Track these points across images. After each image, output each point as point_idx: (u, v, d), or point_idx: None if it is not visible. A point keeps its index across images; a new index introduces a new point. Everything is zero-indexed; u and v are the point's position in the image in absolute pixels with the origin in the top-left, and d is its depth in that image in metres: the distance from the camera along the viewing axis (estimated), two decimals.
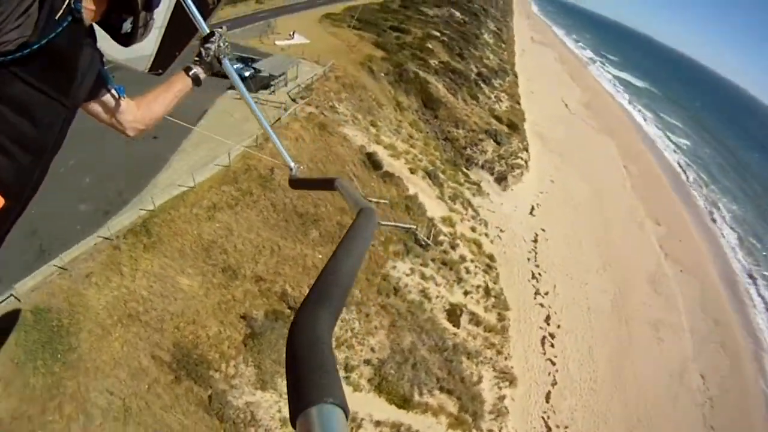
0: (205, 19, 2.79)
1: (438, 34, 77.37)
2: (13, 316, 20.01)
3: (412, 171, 38.04)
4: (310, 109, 37.31)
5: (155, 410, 19.33)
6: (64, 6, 1.34)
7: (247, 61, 45.45)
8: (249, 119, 34.75)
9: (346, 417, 0.64)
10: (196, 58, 2.65)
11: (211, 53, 2.64)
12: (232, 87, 39.18)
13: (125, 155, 28.78)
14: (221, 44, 2.69)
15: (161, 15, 3.19)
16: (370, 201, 31.16)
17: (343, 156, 34.32)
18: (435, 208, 36.16)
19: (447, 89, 59.40)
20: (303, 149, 33.03)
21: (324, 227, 29.23)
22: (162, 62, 3.88)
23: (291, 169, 3.81)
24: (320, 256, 27.60)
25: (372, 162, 35.10)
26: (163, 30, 3.46)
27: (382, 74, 54.43)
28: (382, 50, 61.32)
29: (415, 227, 32.29)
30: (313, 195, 29.71)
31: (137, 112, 2.22)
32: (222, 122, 35.13)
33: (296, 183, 3.79)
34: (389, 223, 31.25)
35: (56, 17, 1.33)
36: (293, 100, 38.24)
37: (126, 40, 1.92)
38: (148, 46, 3.67)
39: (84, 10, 1.50)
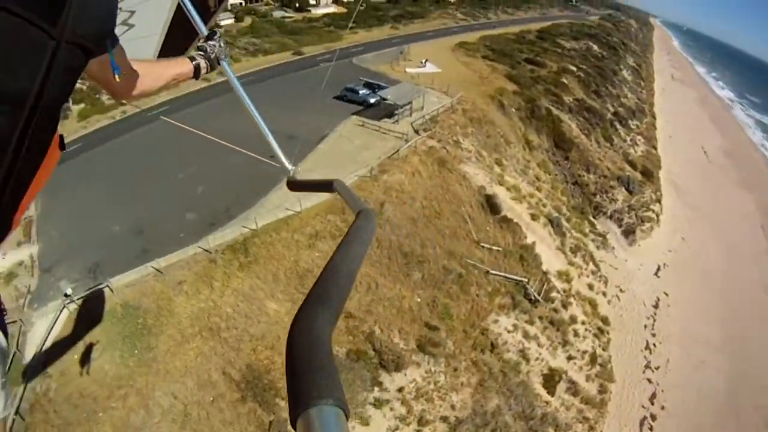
0: (205, 23, 2.79)
1: (574, 68, 73.21)
2: (105, 305, 22.48)
3: (534, 217, 34.98)
4: (432, 143, 35.43)
5: (214, 423, 19.39)
6: None
7: (374, 88, 44.50)
8: (369, 147, 33.53)
9: (347, 417, 0.64)
10: (201, 53, 2.52)
11: (216, 50, 2.57)
12: (356, 113, 38.04)
13: (242, 170, 28.91)
14: (221, 44, 2.64)
15: (162, 20, 3.22)
16: (483, 246, 28.32)
17: (460, 196, 32.10)
18: (552, 260, 32.77)
19: (580, 129, 55.59)
20: (418, 185, 31.31)
21: (428, 270, 26.99)
22: None
23: (289, 171, 3.57)
24: (418, 300, 25.72)
25: (490, 205, 32.32)
26: (164, 34, 3.49)
27: (513, 109, 51.71)
28: (515, 83, 58.57)
29: (526, 280, 29.06)
30: (422, 235, 28.12)
31: (132, 80, 1.96)
32: (340, 148, 34.51)
33: (295, 185, 3.50)
34: (499, 273, 28.41)
35: None
36: (416, 131, 36.65)
37: None
38: (150, 49, 3.69)
39: None
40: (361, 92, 43.75)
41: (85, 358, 20.40)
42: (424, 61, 57.28)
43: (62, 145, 1.28)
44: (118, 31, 1.69)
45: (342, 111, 41.12)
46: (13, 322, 23.09)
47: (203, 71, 2.56)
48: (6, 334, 1.36)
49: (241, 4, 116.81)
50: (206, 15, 3.27)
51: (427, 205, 30.15)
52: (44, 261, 27.62)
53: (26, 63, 1.02)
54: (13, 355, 19.04)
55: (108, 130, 47.21)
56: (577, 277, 33.18)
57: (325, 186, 2.72)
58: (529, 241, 31.73)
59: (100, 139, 44.75)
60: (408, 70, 54.40)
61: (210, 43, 2.64)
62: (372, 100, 41.22)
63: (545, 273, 30.67)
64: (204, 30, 2.78)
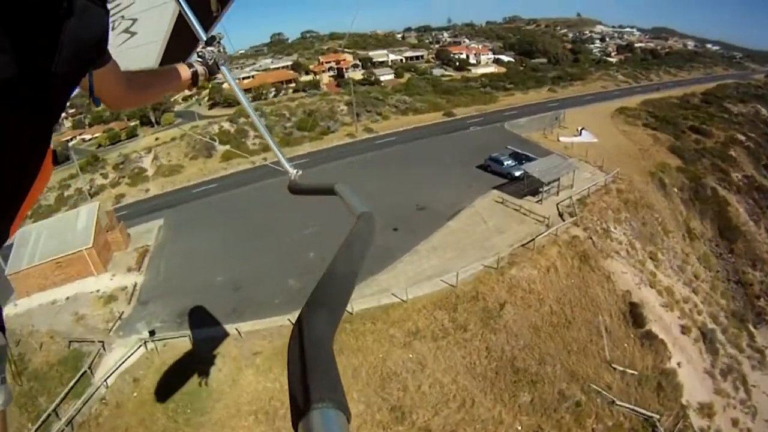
0: (207, 29, 2.75)
1: (743, 137, 64.94)
2: (179, 355, 23.06)
3: (685, 330, 29.95)
4: (577, 231, 32.07)
5: None
6: None
7: (521, 158, 41.98)
8: (503, 230, 31.40)
9: (348, 420, 0.63)
10: (199, 59, 2.52)
11: (214, 56, 2.54)
12: (498, 186, 35.34)
13: None
14: (221, 49, 2.58)
15: (164, 28, 3.21)
16: (615, 368, 24.36)
17: (599, 301, 28.13)
18: (696, 388, 26.85)
19: (749, 214, 49.13)
20: (551, 285, 27.82)
21: (540, 393, 22.75)
22: None
23: (290, 175, 3.27)
24: (519, 428, 21.54)
25: (634, 315, 27.38)
26: (166, 42, 3.48)
27: (675, 189, 46.56)
28: (678, 157, 53.25)
29: (658, 417, 23.26)
30: (542, 348, 24.51)
31: (128, 91, 1.88)
32: (470, 228, 32.61)
33: (296, 189, 3.25)
34: (626, 405, 23.35)
35: None
36: (560, 215, 33.43)
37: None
38: (151, 57, 3.69)
39: None
40: (506, 163, 41.52)
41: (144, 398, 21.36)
42: (580, 129, 53.62)
43: (55, 160, 1.26)
44: (120, 39, 1.82)
45: (483, 183, 39.13)
46: (99, 341, 25.10)
47: (201, 78, 2.50)
48: (3, 331, 1.31)
49: (401, 60, 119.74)
50: (208, 20, 3.14)
51: (556, 311, 26.54)
52: (144, 293, 29.32)
53: (20, 91, 0.97)
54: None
55: (245, 175, 50.29)
56: (721, 410, 26.80)
57: (326, 190, 2.51)
58: (673, 363, 26.34)
59: (235, 183, 47.60)
60: (562, 139, 51.07)
61: (209, 49, 2.55)
62: (517, 173, 38.48)
63: (684, 407, 24.90)
64: (203, 36, 2.66)
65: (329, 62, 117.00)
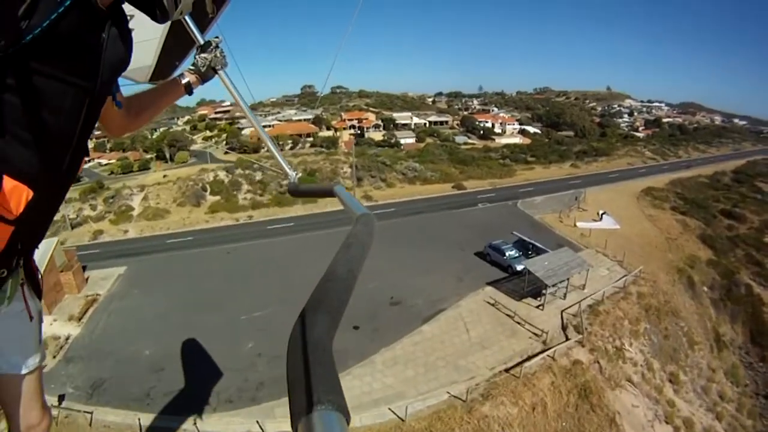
0: (203, 30, 2.64)
1: None
2: None
3: None
4: (581, 354, 25.57)
5: None
6: None
7: (527, 248, 36.30)
8: (488, 345, 25.89)
9: (347, 422, 0.62)
10: (191, 67, 2.48)
11: (207, 63, 2.46)
12: (494, 282, 30.93)
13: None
14: (217, 54, 2.49)
15: (160, 26, 3.09)
16: None
17: None
18: None
19: None
20: (534, 426, 21.14)
21: None
22: (162, 72, 3.89)
23: (290, 178, 3.22)
24: None
25: None
26: (162, 41, 3.37)
27: (705, 289, 40.41)
28: (709, 247, 47.50)
29: None
30: None
31: (127, 117, 2.08)
32: (447, 338, 26.27)
33: (296, 191, 3.19)
34: None
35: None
36: (563, 328, 27.33)
37: (160, 15, 1.72)
38: (148, 56, 3.64)
39: None
40: (507, 254, 35.29)
41: None
42: (601, 213, 47.82)
43: (86, 154, 1.59)
44: None
45: (478, 275, 33.71)
46: None
47: (195, 86, 2.46)
48: (40, 297, 1.84)
49: (425, 124, 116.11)
50: (204, 21, 2.99)
51: None
52: (73, 349, 25.77)
53: (73, 112, 1.40)
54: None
55: (223, 233, 46.32)
56: None
57: (325, 192, 2.64)
58: None
59: (210, 240, 43.40)
60: (580, 224, 45.30)
61: (202, 56, 2.45)
62: (519, 267, 32.63)
63: None
64: (200, 38, 2.52)
65: (351, 120, 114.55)
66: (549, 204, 52.14)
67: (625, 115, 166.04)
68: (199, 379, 21.45)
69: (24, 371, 1.90)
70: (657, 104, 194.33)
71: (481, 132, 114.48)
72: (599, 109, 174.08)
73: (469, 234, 41.34)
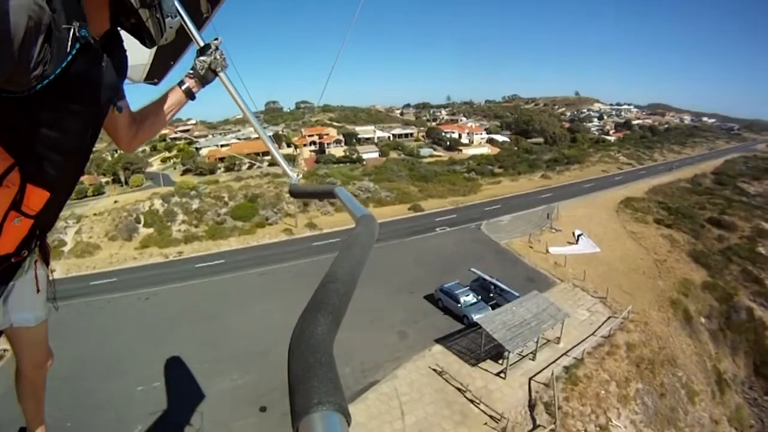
0: (199, 28, 2.63)
1: None
2: None
3: None
4: None
5: None
6: (70, 37, 1.38)
7: (488, 290, 28.06)
8: None
9: (348, 423, 0.61)
10: (191, 71, 2.45)
11: (206, 65, 2.43)
12: (444, 338, 25.28)
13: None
14: (217, 56, 2.46)
15: None
16: None
17: None
18: None
19: None
20: None
21: None
22: (157, 72, 3.87)
23: (291, 179, 3.08)
24: None
25: None
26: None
27: (702, 320, 33.20)
28: (702, 265, 40.84)
29: None
30: None
31: (134, 129, 2.20)
32: (377, 426, 19.02)
33: (297, 192, 3.02)
34: None
35: (66, 48, 1.37)
36: (530, 406, 19.33)
37: (148, 42, 1.83)
38: (143, 56, 3.62)
39: (89, 33, 1.48)
40: (462, 299, 27.28)
41: None
42: (577, 234, 40.07)
43: None
44: None
45: (426, 327, 26.41)
46: None
47: (196, 90, 2.44)
48: (48, 263, 2.34)
49: (389, 138, 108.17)
50: (199, 21, 2.87)
51: None
52: None
53: (83, 132, 1.67)
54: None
55: (149, 273, 38.88)
56: None
57: (326, 193, 2.55)
58: None
59: (132, 283, 36.23)
60: (553, 249, 37.57)
61: (202, 58, 2.43)
62: (476, 317, 24.50)
63: None
64: (200, 40, 2.53)
65: (312, 135, 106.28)
66: (517, 225, 44.21)
67: (595, 119, 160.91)
68: None
69: (33, 324, 2.37)
70: (626, 107, 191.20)
71: (448, 143, 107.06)
72: (568, 114, 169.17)
73: (421, 270, 33.27)
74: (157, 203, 50.64)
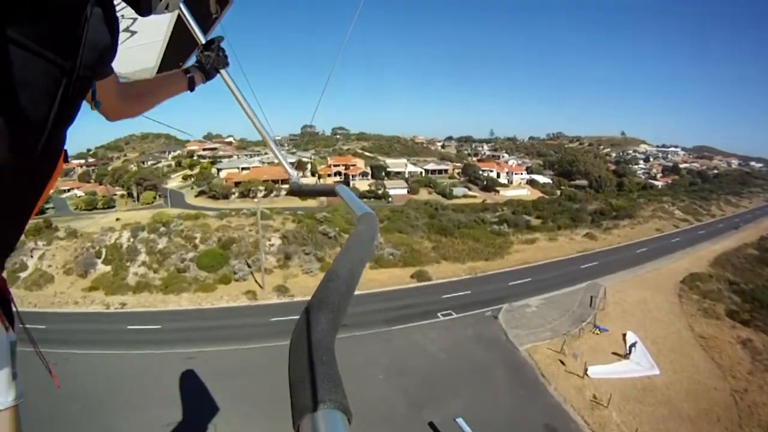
0: (207, 31, 2.54)
1: None
2: None
3: None
4: None
5: None
6: None
7: None
8: None
9: (349, 421, 0.58)
10: (196, 64, 2.23)
11: (210, 61, 2.23)
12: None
13: None
14: (219, 53, 2.27)
15: (164, 28, 2.86)
16: None
17: None
18: None
19: None
20: None
21: None
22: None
23: (292, 178, 2.94)
24: None
25: None
26: (166, 41, 3.07)
27: None
28: None
29: None
30: None
31: (123, 101, 1.73)
32: None
33: (297, 191, 2.93)
34: None
35: None
36: None
37: (143, 7, 1.40)
38: (151, 58, 3.27)
39: None
40: None
41: None
42: (630, 344, 26.45)
43: (66, 158, 1.21)
44: (120, 38, 1.53)
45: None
46: None
47: (198, 83, 2.19)
48: (14, 327, 1.33)
49: (421, 173, 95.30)
50: (208, 22, 2.74)
51: None
52: None
53: (44, 93, 0.98)
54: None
55: (77, 325, 29.43)
56: None
57: (327, 191, 2.41)
58: None
59: (43, 338, 24.54)
60: (593, 371, 24.62)
61: (205, 53, 2.23)
62: None
63: None
64: (202, 39, 2.34)
65: (338, 165, 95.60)
66: (548, 315, 30.63)
67: (641, 161, 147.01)
68: None
69: None
70: (672, 149, 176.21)
71: (485, 182, 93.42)
72: (614, 155, 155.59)
73: (397, 397, 20.68)
74: (125, 236, 40.53)
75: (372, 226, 1.43)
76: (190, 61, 3.13)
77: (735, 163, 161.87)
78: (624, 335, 28.23)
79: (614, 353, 26.44)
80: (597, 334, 28.19)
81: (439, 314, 30.51)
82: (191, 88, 2.12)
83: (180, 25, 2.43)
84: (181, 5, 2.02)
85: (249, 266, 37.23)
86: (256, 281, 35.78)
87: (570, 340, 26.82)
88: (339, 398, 0.58)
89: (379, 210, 57.14)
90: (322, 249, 40.33)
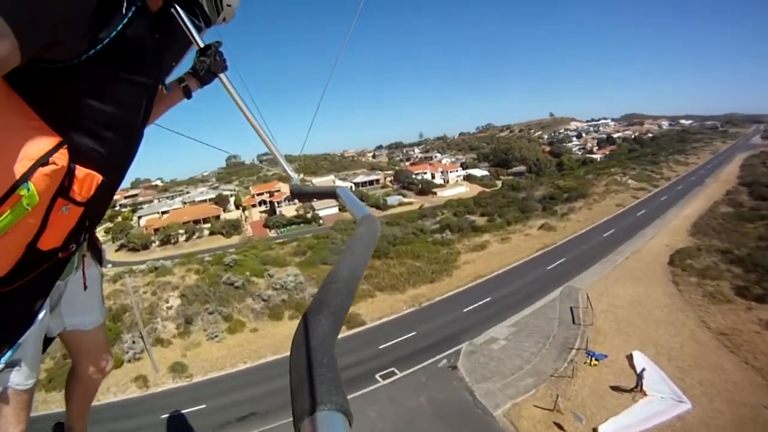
0: (200, 32, 2.26)
1: None
2: None
3: None
4: None
5: None
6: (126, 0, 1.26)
7: None
8: None
9: (350, 423, 0.58)
10: (190, 71, 2.27)
11: (206, 66, 2.22)
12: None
13: None
14: (217, 58, 2.24)
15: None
16: None
17: None
18: None
19: None
20: None
21: None
22: None
23: (293, 180, 2.75)
24: None
25: None
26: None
27: None
28: None
29: None
30: None
31: None
32: None
33: (299, 193, 2.74)
34: None
35: (122, 11, 1.24)
36: None
37: (204, 21, 1.82)
38: None
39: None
40: None
41: None
42: (639, 371, 18.78)
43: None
44: None
45: None
46: None
47: (194, 89, 2.25)
48: (102, 264, 1.94)
49: (351, 187, 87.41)
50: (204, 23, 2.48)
51: None
52: None
53: (136, 105, 1.44)
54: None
55: None
56: None
57: (328, 194, 2.36)
58: None
59: None
60: (605, 430, 15.83)
61: (201, 59, 2.21)
62: None
63: None
64: (200, 43, 2.22)
65: (261, 194, 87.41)
66: (522, 347, 23.07)
67: (574, 138, 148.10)
68: None
69: (89, 327, 2.05)
70: (603, 121, 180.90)
71: (420, 186, 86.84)
72: (546, 137, 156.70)
73: None
74: None
75: (373, 229, 1.40)
76: (183, 61, 2.78)
77: (665, 124, 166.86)
78: (629, 357, 21.12)
79: (623, 389, 19.19)
80: (594, 364, 20.79)
81: (377, 376, 22.14)
82: (187, 95, 2.18)
83: (175, 25, 2.23)
84: (179, 9, 1.97)
85: (144, 336, 27.95)
86: (142, 367, 26.47)
87: (562, 384, 19.29)
88: (339, 400, 0.58)
89: (302, 239, 48.61)
90: (228, 304, 31.72)
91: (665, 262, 32.87)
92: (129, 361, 27.14)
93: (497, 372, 21.05)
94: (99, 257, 1.93)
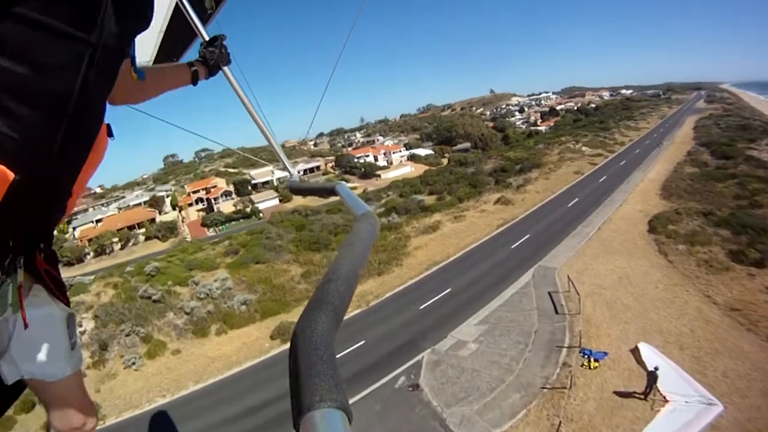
0: (203, 25, 2.50)
1: None
2: None
3: None
4: None
5: None
6: None
7: None
8: None
9: (350, 420, 0.58)
10: (200, 59, 2.21)
11: (214, 57, 2.22)
12: None
13: None
14: (222, 51, 2.26)
15: (160, 21, 2.95)
16: None
17: None
18: None
19: None
20: None
21: None
22: None
23: (291, 176, 2.86)
24: None
25: None
26: (161, 36, 3.17)
27: None
28: None
29: None
30: None
31: (135, 85, 1.67)
32: None
33: (296, 189, 2.74)
34: None
35: None
36: None
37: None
38: (147, 52, 3.39)
39: None
40: None
41: None
42: (650, 369, 15.60)
43: (110, 133, 1.28)
44: None
45: None
46: None
47: (201, 77, 2.19)
48: (66, 301, 1.52)
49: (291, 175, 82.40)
50: (203, 18, 2.68)
51: None
52: None
53: (66, 68, 0.96)
54: None
55: None
56: None
57: (327, 190, 2.31)
58: None
59: None
60: None
61: (209, 49, 2.21)
62: None
63: None
64: (205, 35, 2.36)
65: (197, 192, 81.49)
66: (498, 351, 18.51)
67: (517, 113, 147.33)
68: None
69: (53, 378, 1.58)
70: (544, 94, 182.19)
71: (363, 170, 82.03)
72: (488, 113, 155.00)
73: None
74: None
75: (372, 225, 1.40)
76: (184, 57, 3.17)
77: (606, 94, 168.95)
78: (635, 352, 16.92)
79: (635, 395, 14.94)
80: (594, 366, 16.44)
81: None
82: (194, 82, 2.11)
83: (175, 18, 2.48)
84: (184, 2, 2.00)
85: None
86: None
87: (559, 398, 14.77)
88: (339, 397, 0.59)
89: (235, 237, 42.60)
90: (146, 323, 26.41)
91: (644, 229, 29.26)
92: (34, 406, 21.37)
93: (472, 389, 16.31)
94: (62, 293, 1.46)
